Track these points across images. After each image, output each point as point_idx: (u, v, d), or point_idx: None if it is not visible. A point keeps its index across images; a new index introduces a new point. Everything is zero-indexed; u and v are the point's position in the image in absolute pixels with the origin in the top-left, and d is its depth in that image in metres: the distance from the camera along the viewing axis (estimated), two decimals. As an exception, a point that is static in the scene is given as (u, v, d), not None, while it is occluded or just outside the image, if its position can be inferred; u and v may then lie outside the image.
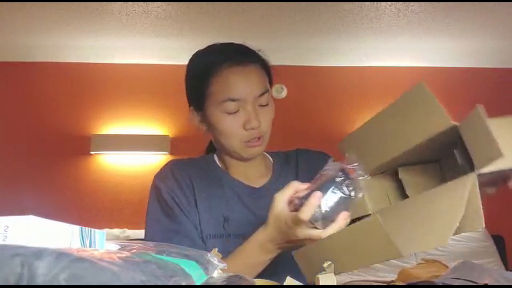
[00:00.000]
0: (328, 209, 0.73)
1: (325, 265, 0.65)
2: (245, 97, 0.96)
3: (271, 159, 1.14)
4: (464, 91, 3.52)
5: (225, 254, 0.92)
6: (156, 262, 0.39)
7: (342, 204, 0.74)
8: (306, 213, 0.72)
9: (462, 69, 3.53)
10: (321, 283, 0.61)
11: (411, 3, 2.67)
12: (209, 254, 0.53)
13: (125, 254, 0.39)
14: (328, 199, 0.73)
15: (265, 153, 1.13)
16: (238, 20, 2.82)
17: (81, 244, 0.44)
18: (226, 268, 0.55)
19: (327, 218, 0.73)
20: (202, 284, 0.44)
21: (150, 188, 1.05)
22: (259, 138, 1.00)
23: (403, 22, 2.89)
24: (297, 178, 1.07)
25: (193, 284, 0.41)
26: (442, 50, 3.29)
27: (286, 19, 2.84)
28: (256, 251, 0.85)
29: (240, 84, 0.97)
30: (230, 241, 0.96)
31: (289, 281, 0.61)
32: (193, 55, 1.07)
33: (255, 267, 0.86)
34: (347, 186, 0.74)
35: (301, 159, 1.13)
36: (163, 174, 1.05)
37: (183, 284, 0.39)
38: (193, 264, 0.45)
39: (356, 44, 3.20)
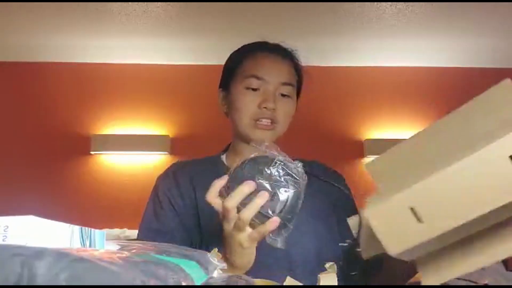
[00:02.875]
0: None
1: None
2: (268, 79, 1.02)
3: None
4: (464, 91, 3.52)
5: None
6: (156, 262, 0.39)
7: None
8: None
9: (462, 69, 3.53)
10: (322, 283, 0.61)
11: (411, 3, 2.67)
12: (209, 254, 0.53)
13: (125, 254, 0.39)
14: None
15: None
16: (238, 20, 2.82)
17: (81, 244, 0.44)
18: (225, 267, 0.55)
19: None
20: (202, 284, 0.44)
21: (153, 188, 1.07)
22: (271, 123, 1.02)
23: (403, 22, 2.89)
24: (308, 184, 1.08)
25: (193, 284, 0.41)
26: (442, 50, 3.29)
27: (286, 19, 2.84)
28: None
29: (267, 65, 1.04)
30: None
31: (289, 281, 0.61)
32: None
33: None
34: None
35: (317, 171, 1.11)
36: (164, 174, 1.07)
37: (183, 284, 0.39)
38: (193, 264, 0.45)
39: (356, 44, 3.20)
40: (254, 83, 1.02)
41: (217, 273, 0.52)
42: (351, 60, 3.44)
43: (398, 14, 2.80)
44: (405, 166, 0.61)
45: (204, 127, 3.36)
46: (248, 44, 1.12)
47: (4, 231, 0.38)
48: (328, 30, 2.99)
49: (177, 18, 2.84)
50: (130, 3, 2.64)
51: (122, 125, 3.41)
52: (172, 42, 3.15)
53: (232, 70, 1.08)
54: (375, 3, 2.66)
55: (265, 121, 1.01)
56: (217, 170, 1.05)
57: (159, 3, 2.65)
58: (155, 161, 3.37)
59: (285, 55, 1.09)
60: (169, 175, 1.06)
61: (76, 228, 0.44)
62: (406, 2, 2.65)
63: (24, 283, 0.28)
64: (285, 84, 1.04)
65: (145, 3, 2.64)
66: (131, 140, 3.33)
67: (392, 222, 0.52)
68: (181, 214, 1.00)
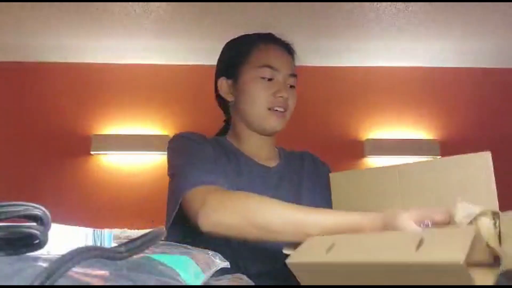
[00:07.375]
0: None
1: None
2: (280, 69, 1.07)
3: (276, 150, 1.20)
4: (464, 91, 3.52)
5: None
6: (150, 263, 0.39)
7: None
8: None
9: (462, 69, 3.53)
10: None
11: (411, 4, 2.67)
12: (210, 253, 0.53)
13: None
14: None
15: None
16: (239, 20, 2.82)
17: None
18: (227, 266, 0.55)
19: None
20: (202, 284, 0.45)
21: (169, 148, 1.13)
22: (284, 111, 1.07)
23: (403, 22, 2.89)
24: (301, 174, 1.14)
25: (190, 284, 0.42)
26: (442, 50, 3.29)
27: (286, 19, 2.83)
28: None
29: (278, 57, 1.09)
30: None
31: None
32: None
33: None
34: None
35: (308, 162, 1.19)
36: (185, 133, 1.11)
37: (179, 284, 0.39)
38: (191, 262, 0.45)
39: (356, 44, 3.20)
40: (268, 73, 1.06)
41: (217, 273, 0.52)
42: (351, 60, 3.44)
43: (398, 14, 2.80)
44: (356, 196, 0.71)
45: (204, 127, 3.34)
46: (253, 34, 1.15)
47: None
48: (328, 30, 2.99)
49: (177, 18, 2.84)
50: (130, 3, 2.64)
51: (122, 125, 3.41)
52: (172, 42, 3.15)
53: (240, 58, 1.10)
54: (375, 3, 2.66)
55: (280, 109, 1.07)
56: (226, 147, 1.10)
57: (159, 3, 2.65)
58: (155, 161, 3.37)
59: (288, 48, 1.15)
60: (194, 133, 1.10)
61: (89, 230, 0.45)
62: (405, 2, 2.65)
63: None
64: (292, 75, 1.10)
65: (145, 3, 2.64)
66: (131, 140, 3.33)
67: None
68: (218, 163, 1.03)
